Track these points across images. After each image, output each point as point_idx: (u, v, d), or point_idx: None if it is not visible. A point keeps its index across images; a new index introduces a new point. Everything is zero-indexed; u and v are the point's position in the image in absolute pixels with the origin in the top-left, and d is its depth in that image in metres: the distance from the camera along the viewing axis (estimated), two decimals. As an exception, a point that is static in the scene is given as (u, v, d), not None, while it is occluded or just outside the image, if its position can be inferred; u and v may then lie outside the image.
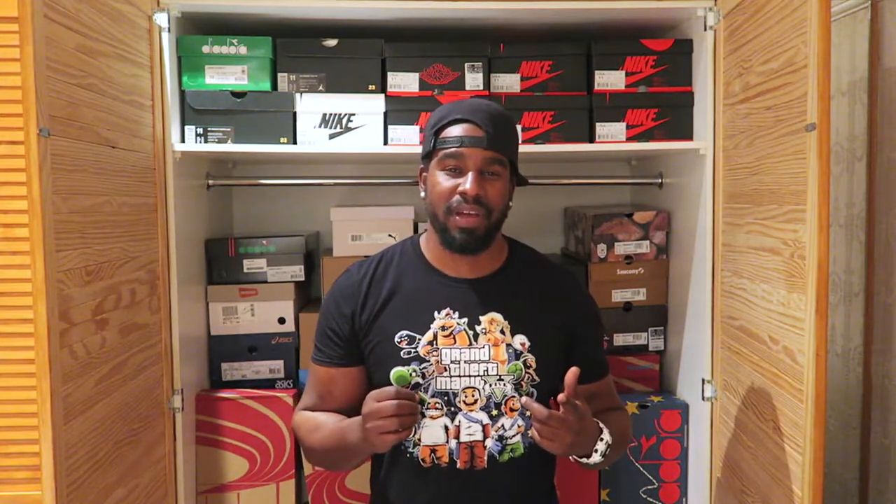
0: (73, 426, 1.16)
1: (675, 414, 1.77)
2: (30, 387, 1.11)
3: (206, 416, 1.72)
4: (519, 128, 1.71)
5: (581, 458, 1.22)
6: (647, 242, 1.88)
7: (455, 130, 1.22)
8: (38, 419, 1.08)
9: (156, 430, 1.52)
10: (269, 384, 1.81)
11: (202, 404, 1.72)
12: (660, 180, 1.98)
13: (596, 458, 1.21)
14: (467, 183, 1.20)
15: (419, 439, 1.26)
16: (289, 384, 1.82)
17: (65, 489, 1.12)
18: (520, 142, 1.34)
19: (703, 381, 1.67)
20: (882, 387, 1.85)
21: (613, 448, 1.24)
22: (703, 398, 1.68)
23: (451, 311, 1.27)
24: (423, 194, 1.30)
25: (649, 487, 1.79)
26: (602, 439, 1.21)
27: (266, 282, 1.83)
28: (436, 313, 1.27)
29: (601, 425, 1.22)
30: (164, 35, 1.57)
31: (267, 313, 1.81)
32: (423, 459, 1.26)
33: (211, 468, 1.72)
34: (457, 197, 1.21)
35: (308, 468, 1.73)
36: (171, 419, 1.59)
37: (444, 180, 1.22)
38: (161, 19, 1.56)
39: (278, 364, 1.82)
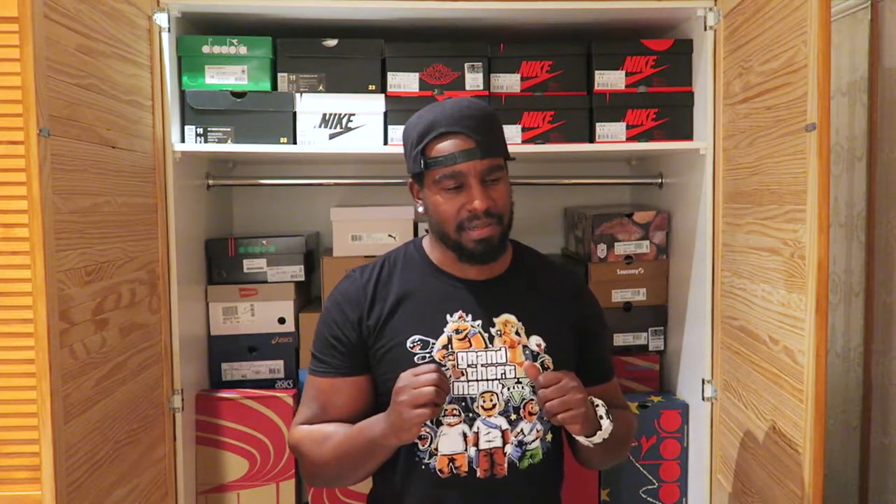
0: (73, 426, 1.15)
1: (675, 414, 1.77)
2: (30, 387, 1.11)
3: (206, 416, 1.72)
4: (519, 128, 1.72)
5: (593, 434, 1.17)
6: (647, 242, 1.88)
7: (445, 146, 1.17)
8: (38, 419, 1.08)
9: (156, 430, 1.52)
10: (269, 384, 1.81)
11: (202, 404, 1.72)
12: (660, 180, 1.98)
13: (606, 423, 1.16)
14: (475, 199, 1.16)
15: (436, 449, 1.21)
16: (289, 384, 1.82)
17: (65, 489, 1.12)
18: (514, 140, 1.31)
19: (703, 381, 1.67)
20: (882, 387, 1.85)
21: (616, 435, 1.20)
22: (703, 398, 1.68)
23: (464, 314, 1.23)
24: (420, 209, 1.25)
25: (649, 487, 1.79)
26: (596, 405, 1.18)
27: (266, 282, 1.83)
28: (448, 316, 1.23)
29: (588, 397, 1.18)
30: (164, 35, 1.57)
31: (267, 313, 1.81)
32: (440, 470, 1.21)
33: (211, 468, 1.72)
34: (466, 214, 1.17)
35: (308, 468, 1.73)
36: (171, 419, 1.59)
37: (447, 199, 1.18)
38: (161, 19, 1.56)
39: (278, 364, 1.82)
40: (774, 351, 1.34)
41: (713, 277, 1.65)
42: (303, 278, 1.85)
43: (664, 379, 1.94)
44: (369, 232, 1.85)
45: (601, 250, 1.86)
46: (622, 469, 1.78)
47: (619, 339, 1.90)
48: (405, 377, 1.13)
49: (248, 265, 1.83)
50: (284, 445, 1.72)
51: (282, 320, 1.82)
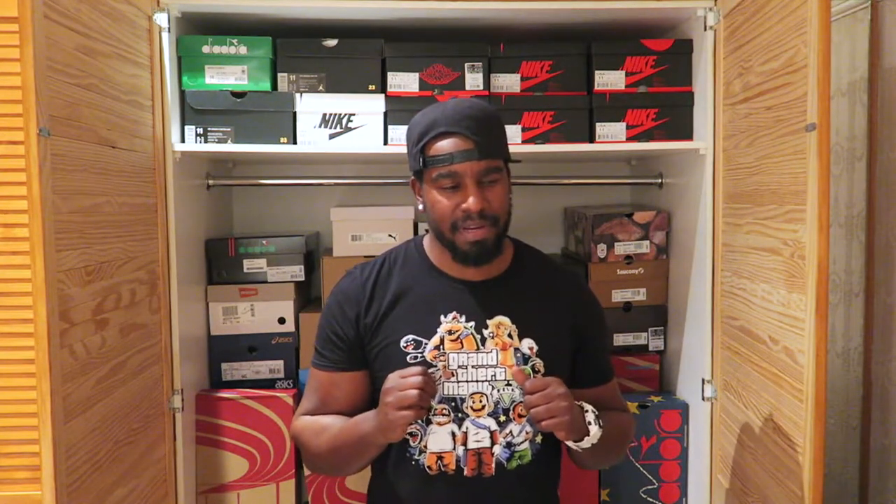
0: (73, 426, 1.16)
1: (675, 414, 1.77)
2: (30, 387, 1.11)
3: (206, 416, 1.72)
4: (519, 128, 1.72)
5: (581, 440, 1.18)
6: (647, 242, 1.88)
7: (443, 146, 1.17)
8: (38, 419, 1.08)
9: (156, 430, 1.52)
10: (269, 384, 1.81)
11: (202, 404, 1.72)
12: (660, 180, 1.98)
13: (594, 429, 1.17)
14: (469, 199, 1.16)
15: (425, 446, 1.23)
16: (289, 384, 1.82)
17: (65, 489, 1.12)
18: (514, 140, 1.30)
19: (703, 381, 1.67)
20: (882, 387, 1.85)
21: (610, 436, 1.21)
22: (703, 398, 1.68)
23: (458, 315, 1.24)
24: (420, 207, 1.26)
25: (649, 487, 1.79)
26: (586, 410, 1.19)
27: (266, 282, 1.83)
28: (442, 317, 1.24)
29: (577, 403, 1.19)
30: (164, 35, 1.57)
31: (267, 313, 1.81)
32: (429, 467, 1.23)
33: (211, 468, 1.72)
34: (461, 214, 1.18)
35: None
36: (171, 419, 1.59)
37: (442, 199, 1.19)
38: (161, 19, 1.56)
39: (278, 364, 1.82)
40: (774, 351, 1.34)
41: (713, 277, 1.65)
42: (303, 278, 1.85)
43: (664, 379, 1.94)
44: (369, 232, 1.85)
45: (601, 250, 1.86)
46: (622, 469, 1.78)
47: (619, 339, 1.90)
48: (392, 378, 1.15)
49: (248, 265, 1.83)
50: (284, 445, 1.72)
51: (282, 320, 1.82)
